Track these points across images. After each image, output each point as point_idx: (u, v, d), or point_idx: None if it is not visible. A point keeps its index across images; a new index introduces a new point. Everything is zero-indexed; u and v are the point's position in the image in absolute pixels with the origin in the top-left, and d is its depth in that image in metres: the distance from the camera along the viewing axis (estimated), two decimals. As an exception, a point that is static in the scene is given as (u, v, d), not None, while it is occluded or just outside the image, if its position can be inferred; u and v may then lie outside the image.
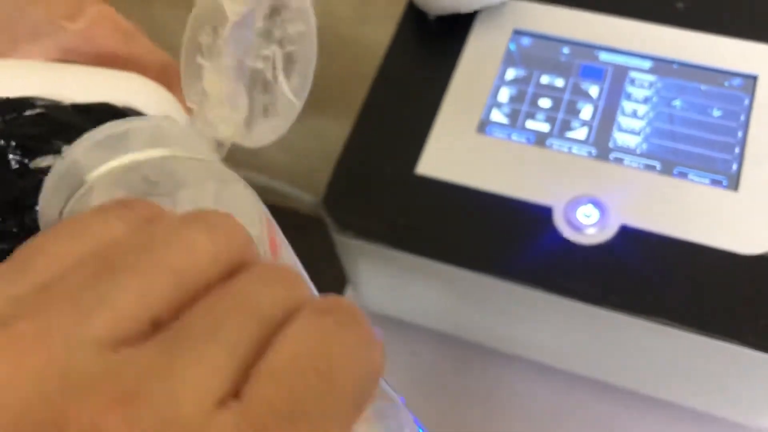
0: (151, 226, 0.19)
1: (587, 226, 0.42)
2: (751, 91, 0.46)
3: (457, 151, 0.46)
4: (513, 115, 0.47)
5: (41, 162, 0.27)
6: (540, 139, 0.46)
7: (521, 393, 0.53)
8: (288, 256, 0.26)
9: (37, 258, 0.18)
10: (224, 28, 0.26)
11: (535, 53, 0.49)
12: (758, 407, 0.46)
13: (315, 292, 0.24)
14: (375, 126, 0.48)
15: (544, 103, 0.47)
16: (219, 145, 0.28)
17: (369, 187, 0.46)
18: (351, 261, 0.49)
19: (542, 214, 0.43)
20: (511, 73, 0.49)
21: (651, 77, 0.47)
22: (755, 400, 0.45)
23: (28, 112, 0.29)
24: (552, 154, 0.45)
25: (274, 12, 0.28)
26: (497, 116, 0.47)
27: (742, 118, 0.45)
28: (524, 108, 0.47)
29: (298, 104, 0.29)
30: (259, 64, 0.28)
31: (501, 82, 0.48)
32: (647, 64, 0.48)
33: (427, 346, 0.56)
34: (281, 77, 0.29)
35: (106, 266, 0.18)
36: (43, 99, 0.29)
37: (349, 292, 0.59)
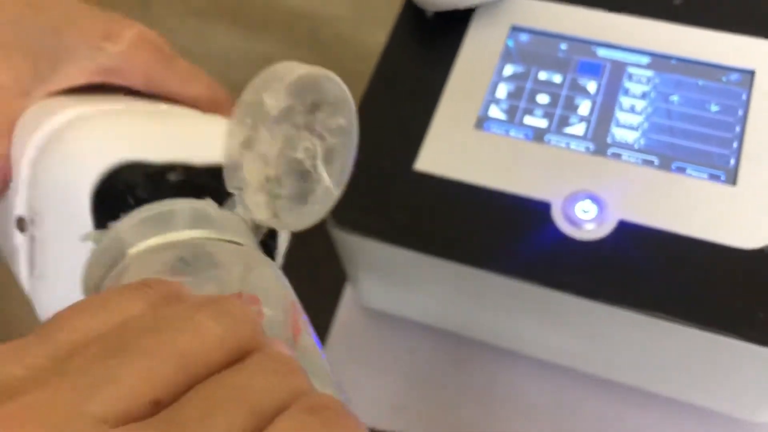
0: (167, 307, 0.21)
1: (585, 221, 0.42)
2: (749, 86, 0.46)
3: (455, 147, 0.46)
4: (511, 111, 0.47)
5: None
6: (538, 134, 0.46)
7: (520, 390, 0.53)
8: (308, 341, 0.27)
9: (59, 329, 0.20)
10: (265, 121, 0.27)
11: (533, 49, 0.49)
12: (757, 402, 0.46)
13: (330, 377, 0.26)
14: (373, 123, 0.48)
15: (542, 99, 0.47)
16: (256, 227, 0.30)
17: (367, 183, 0.46)
18: (349, 258, 0.49)
19: (540, 210, 0.43)
20: (508, 70, 0.49)
21: (649, 73, 0.47)
22: (754, 394, 0.45)
23: (172, 178, 0.32)
24: (550, 150, 0.45)
25: (315, 107, 0.30)
26: (495, 112, 0.47)
27: (740, 113, 0.45)
28: (522, 104, 0.47)
29: (336, 193, 0.31)
30: (300, 155, 0.30)
31: (499, 78, 0.48)
32: (645, 60, 0.48)
33: (425, 344, 0.56)
34: (321, 168, 0.31)
35: (118, 345, 0.19)
36: (182, 164, 0.32)
37: (348, 289, 0.59)
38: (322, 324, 0.59)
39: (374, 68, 0.50)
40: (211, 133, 0.35)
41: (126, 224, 0.27)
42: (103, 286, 0.27)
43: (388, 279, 0.50)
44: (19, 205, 0.32)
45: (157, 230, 0.27)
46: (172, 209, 0.28)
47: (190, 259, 0.26)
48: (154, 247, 0.26)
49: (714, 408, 0.49)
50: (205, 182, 0.29)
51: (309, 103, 0.30)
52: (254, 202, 0.29)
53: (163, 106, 0.39)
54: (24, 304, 0.34)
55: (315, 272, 0.61)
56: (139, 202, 0.29)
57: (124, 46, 0.37)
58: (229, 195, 0.29)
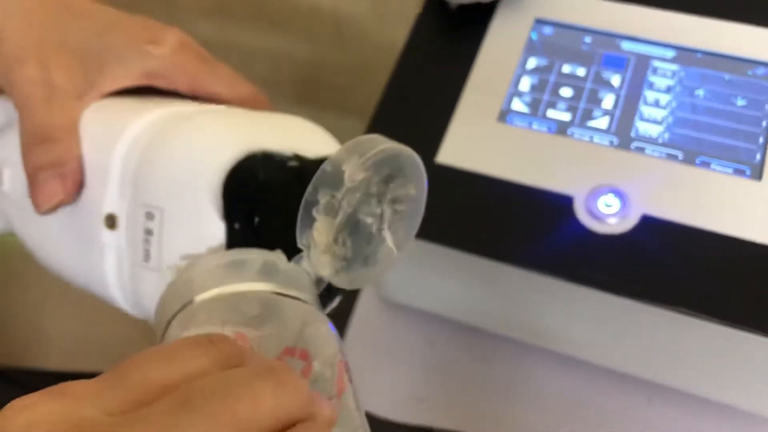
0: (230, 371, 0.23)
1: (608, 215, 0.42)
2: (776, 81, 0.45)
3: (477, 140, 0.46)
4: (534, 104, 0.47)
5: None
6: (561, 128, 0.46)
7: (540, 383, 0.53)
8: (350, 400, 0.28)
9: (133, 377, 0.22)
10: (340, 191, 0.29)
11: (557, 42, 0.49)
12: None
13: None
14: (395, 115, 0.48)
15: (566, 92, 0.47)
16: (318, 281, 0.32)
17: (389, 175, 0.46)
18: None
19: (563, 204, 0.43)
20: (532, 62, 0.48)
21: (674, 66, 0.47)
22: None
23: (292, 164, 0.34)
24: (573, 144, 0.45)
25: (389, 177, 0.32)
26: (518, 105, 0.47)
27: (767, 107, 0.45)
28: (545, 97, 0.47)
29: (397, 255, 0.32)
30: (369, 220, 0.32)
31: (522, 71, 0.48)
32: (670, 54, 0.47)
33: (444, 336, 0.56)
34: (387, 233, 0.33)
35: (184, 403, 0.21)
36: (296, 154, 0.35)
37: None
38: (341, 316, 0.59)
39: (397, 61, 0.50)
40: (300, 126, 0.38)
41: (198, 269, 0.29)
42: (172, 326, 0.28)
43: (409, 271, 0.50)
44: (109, 203, 0.33)
45: (227, 278, 0.29)
46: (244, 259, 0.29)
47: (252, 313, 0.28)
48: (221, 296, 0.28)
49: (734, 404, 0.48)
50: (315, 170, 0.30)
51: (384, 175, 0.32)
52: (320, 260, 0.31)
53: (222, 107, 0.40)
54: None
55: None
56: (265, 190, 0.30)
57: (168, 49, 0.38)
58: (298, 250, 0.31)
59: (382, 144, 0.31)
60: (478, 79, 0.48)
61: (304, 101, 1.06)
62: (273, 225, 0.33)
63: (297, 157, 0.34)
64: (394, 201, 0.33)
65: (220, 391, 0.21)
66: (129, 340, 0.61)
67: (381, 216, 0.32)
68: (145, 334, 0.64)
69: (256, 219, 0.32)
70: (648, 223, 0.42)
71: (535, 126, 0.46)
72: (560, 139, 0.45)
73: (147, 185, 0.33)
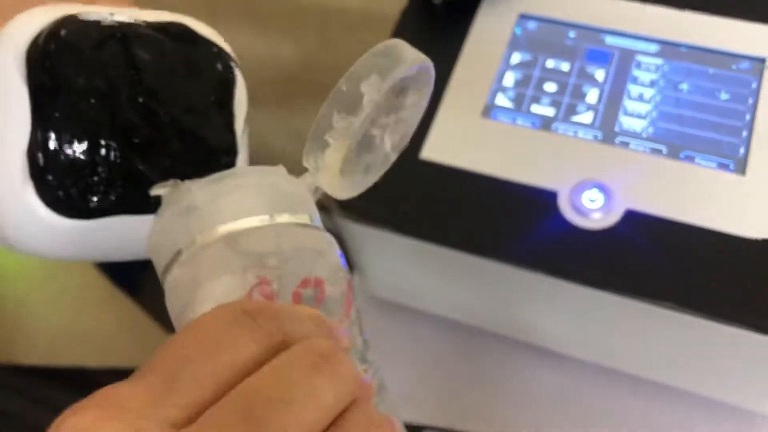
0: (284, 364, 0.22)
1: (592, 210, 0.42)
2: (759, 74, 0.45)
3: (461, 136, 0.46)
4: (518, 100, 0.47)
5: None
6: (545, 123, 0.46)
7: (528, 379, 0.53)
8: (353, 313, 0.29)
9: (183, 377, 0.21)
10: (358, 117, 0.28)
11: (541, 37, 0.49)
12: (764, 392, 0.46)
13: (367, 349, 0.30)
14: (379, 111, 0.48)
15: (550, 87, 0.47)
16: (315, 190, 0.30)
17: (373, 171, 0.45)
18: (355, 246, 0.49)
19: (547, 199, 0.43)
20: (516, 58, 0.48)
21: (658, 60, 0.47)
22: (760, 385, 0.45)
23: (106, 22, 0.29)
24: (557, 138, 0.45)
25: (402, 89, 0.30)
26: (502, 100, 0.47)
27: (750, 101, 0.45)
28: (529, 92, 0.47)
29: (393, 157, 0.32)
30: (375, 132, 0.30)
31: (506, 66, 0.48)
32: (654, 48, 0.47)
33: (432, 333, 0.55)
34: (387, 138, 0.31)
35: (248, 414, 0.20)
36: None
37: (354, 278, 0.59)
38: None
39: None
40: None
41: (201, 193, 0.26)
42: (176, 267, 0.26)
43: (395, 268, 0.50)
44: None
45: (234, 210, 0.26)
46: (243, 183, 0.27)
47: (270, 250, 0.26)
48: (232, 235, 0.26)
49: (720, 399, 0.48)
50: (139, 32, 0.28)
51: (399, 87, 0.30)
52: (328, 180, 0.29)
53: None
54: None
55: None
56: (68, 47, 0.27)
57: None
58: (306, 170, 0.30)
59: (404, 61, 0.29)
60: (462, 75, 0.48)
61: (291, 100, 1.06)
62: (81, 85, 0.28)
63: (119, 22, 0.30)
64: (399, 108, 0.31)
65: (282, 397, 0.21)
66: (112, 334, 0.60)
67: (387, 125, 0.31)
68: (127, 327, 0.64)
69: (63, 81, 0.28)
70: (632, 217, 0.42)
71: (519, 121, 0.46)
72: (544, 134, 0.45)
73: None
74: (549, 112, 0.46)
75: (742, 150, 0.43)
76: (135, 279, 1.37)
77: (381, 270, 0.51)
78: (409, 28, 0.51)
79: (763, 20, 0.47)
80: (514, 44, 0.49)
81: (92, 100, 0.27)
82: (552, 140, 0.45)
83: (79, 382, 0.53)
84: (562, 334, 0.49)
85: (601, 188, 0.42)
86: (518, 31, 0.49)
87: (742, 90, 0.45)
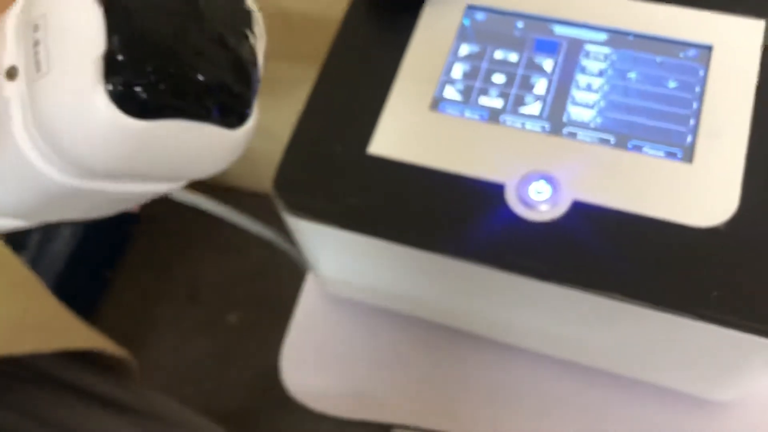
0: None
1: (539, 202, 0.42)
2: (706, 62, 0.45)
3: (409, 130, 0.46)
4: (466, 92, 0.46)
5: None
6: (493, 115, 0.45)
7: (484, 371, 0.53)
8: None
9: None
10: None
11: (489, 28, 0.48)
12: (717, 380, 0.46)
13: None
14: (327, 105, 0.47)
15: (498, 78, 0.47)
16: None
17: (321, 167, 0.45)
18: (305, 244, 0.48)
19: (495, 192, 0.43)
20: (464, 49, 0.48)
21: (606, 49, 0.47)
22: (713, 373, 0.45)
23: None
24: (505, 131, 0.45)
25: None
26: (450, 93, 0.46)
27: (697, 89, 0.44)
28: (478, 84, 0.46)
29: None
30: None
31: (454, 58, 0.48)
32: (602, 37, 0.47)
33: (389, 329, 0.55)
34: None
35: None
36: None
37: (310, 276, 0.58)
38: (284, 313, 0.58)
39: (328, 50, 0.49)
40: None
41: None
42: None
43: (347, 265, 0.49)
44: (8, 57, 0.31)
45: None
46: None
47: None
48: None
49: (675, 388, 0.48)
50: None
51: None
52: None
53: None
54: None
55: (280, 256, 0.60)
56: None
57: None
58: None
59: None
60: (410, 68, 0.47)
61: (260, 96, 1.05)
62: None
63: None
64: None
65: None
66: (68, 325, 0.59)
67: None
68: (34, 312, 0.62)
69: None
70: (579, 209, 0.41)
71: (467, 114, 0.46)
72: (492, 127, 0.45)
73: (32, 3, 0.31)
74: (497, 104, 0.46)
75: (689, 138, 0.43)
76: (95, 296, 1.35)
77: (334, 267, 0.51)
78: (356, 22, 0.50)
79: (711, 7, 0.46)
80: (463, 36, 0.48)
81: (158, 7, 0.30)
82: (500, 132, 0.45)
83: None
84: (516, 326, 0.49)
85: (548, 180, 0.42)
86: (466, 23, 0.49)
87: (690, 78, 0.45)
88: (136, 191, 0.33)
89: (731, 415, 0.49)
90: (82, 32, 0.29)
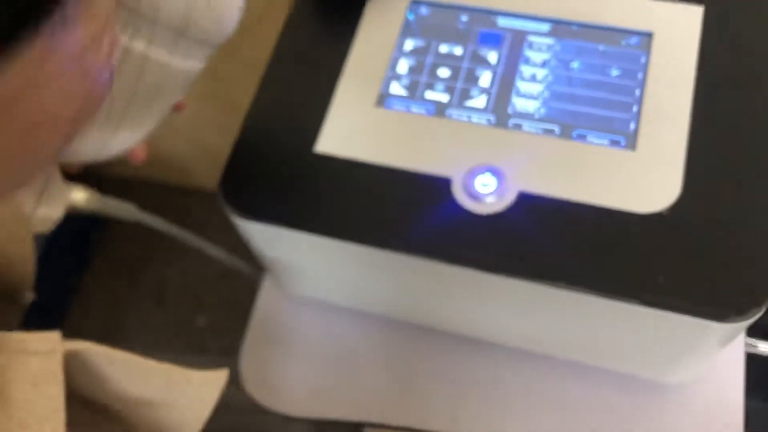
0: None
1: (486, 195, 0.42)
2: (647, 49, 0.45)
3: (356, 127, 0.45)
4: (412, 87, 0.46)
5: None
6: (440, 109, 0.45)
7: (445, 366, 0.53)
8: None
9: None
10: None
11: (434, 22, 0.48)
12: (667, 363, 0.46)
13: None
14: (272, 106, 0.47)
15: (443, 72, 0.47)
16: None
17: (267, 167, 0.45)
18: (257, 246, 0.48)
19: (442, 186, 0.43)
20: (409, 44, 0.48)
21: (549, 40, 0.47)
22: (662, 356, 0.45)
23: None
24: (451, 125, 0.45)
25: None
26: (396, 89, 0.46)
27: (640, 76, 0.45)
28: (423, 79, 0.46)
29: None
30: None
31: (400, 53, 0.47)
32: (545, 27, 0.47)
33: (348, 325, 0.55)
34: None
35: None
36: None
37: (267, 278, 0.58)
38: (242, 313, 0.58)
39: (272, 50, 0.48)
40: None
41: None
42: None
43: (300, 265, 0.49)
44: None
45: None
46: None
47: None
48: None
49: (630, 372, 0.49)
50: None
51: None
52: None
53: None
54: None
55: (241, 257, 0.60)
56: None
57: None
58: None
59: None
60: (355, 64, 0.47)
61: (210, 97, 1.04)
62: None
63: None
64: None
65: None
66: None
67: None
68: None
69: None
70: (525, 200, 0.42)
71: (413, 109, 0.46)
72: (438, 121, 0.45)
73: None
74: (443, 98, 0.46)
75: (632, 125, 0.43)
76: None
77: (289, 268, 0.50)
78: (300, 19, 0.50)
79: (650, -6, 0.47)
80: (407, 30, 0.48)
81: None
82: (446, 126, 0.45)
83: None
84: (472, 318, 0.49)
85: (494, 172, 0.42)
86: (411, 17, 0.49)
87: (632, 65, 0.45)
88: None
89: (687, 395, 0.50)
90: None
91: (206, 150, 1.22)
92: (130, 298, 1.37)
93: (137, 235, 1.38)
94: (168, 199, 1.38)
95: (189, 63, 0.38)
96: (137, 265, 1.38)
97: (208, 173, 1.30)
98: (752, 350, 0.51)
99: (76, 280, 1.37)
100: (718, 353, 0.45)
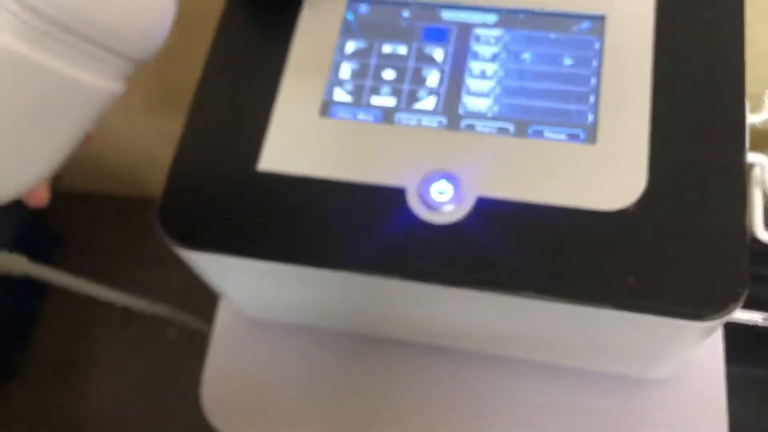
0: None
1: (443, 203, 0.39)
2: (601, 34, 0.43)
3: (300, 140, 0.43)
4: (357, 92, 0.43)
5: None
6: (387, 114, 0.43)
7: (415, 379, 0.51)
8: None
9: None
10: None
11: (374, 20, 0.45)
12: (651, 362, 0.44)
13: None
14: (208, 123, 0.44)
15: (388, 74, 0.44)
16: None
17: (207, 192, 0.42)
18: (204, 273, 0.45)
19: (396, 197, 0.40)
20: (351, 46, 0.45)
21: (497, 32, 0.44)
22: (645, 356, 0.43)
23: None
24: (401, 130, 0.42)
25: None
26: (340, 95, 0.44)
27: (594, 63, 0.42)
28: (368, 83, 0.44)
29: None
30: None
31: (341, 56, 0.45)
32: (492, 18, 0.45)
33: (311, 344, 0.52)
34: None
35: None
36: None
37: (223, 302, 0.55)
38: (200, 340, 0.55)
39: (204, 62, 0.45)
40: None
41: None
42: None
43: (251, 289, 0.46)
44: None
45: None
46: None
47: None
48: None
49: (610, 371, 0.47)
50: None
51: None
52: None
53: None
54: None
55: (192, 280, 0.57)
56: None
57: None
58: None
59: None
60: (294, 72, 0.44)
61: (159, 105, 1.00)
62: None
63: None
64: None
65: None
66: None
67: None
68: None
69: None
70: (484, 206, 0.39)
71: (360, 116, 0.43)
72: (387, 128, 0.42)
73: None
74: (390, 102, 0.43)
75: (590, 117, 0.41)
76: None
77: (242, 293, 0.48)
78: (232, 26, 0.46)
79: (599, -24, 0.44)
80: (347, 31, 0.45)
81: None
82: (396, 133, 0.42)
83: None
84: (438, 330, 0.47)
85: (449, 178, 0.40)
86: (350, 17, 0.46)
87: (585, 52, 0.43)
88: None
89: (668, 390, 0.48)
90: None
91: (157, 159, 1.18)
92: (96, 315, 1.32)
93: (97, 251, 1.34)
94: (127, 212, 1.34)
95: (99, 80, 0.31)
96: (100, 281, 1.34)
97: (162, 184, 1.27)
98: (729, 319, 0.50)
99: (39, 302, 1.33)
100: (699, 347, 0.44)
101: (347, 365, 0.52)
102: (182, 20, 0.80)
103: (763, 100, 0.53)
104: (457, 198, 0.39)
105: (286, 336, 0.53)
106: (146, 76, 0.81)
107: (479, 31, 0.44)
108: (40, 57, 0.28)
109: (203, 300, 1.25)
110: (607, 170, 0.39)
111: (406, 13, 0.45)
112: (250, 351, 0.53)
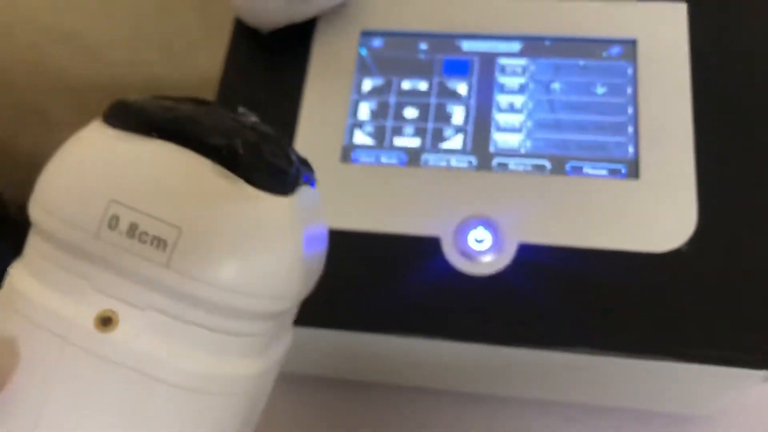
0: None
1: (481, 252, 0.37)
2: (633, 58, 0.40)
3: (321, 189, 0.40)
4: (378, 134, 0.41)
5: None
6: (413, 156, 0.40)
7: (419, 420, 0.48)
8: None
9: None
10: None
11: (390, 55, 0.43)
12: (703, 401, 0.42)
13: None
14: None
15: (410, 113, 0.41)
16: None
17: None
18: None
19: (429, 248, 0.37)
20: (367, 84, 0.42)
21: (522, 61, 0.42)
22: (698, 396, 0.41)
23: None
24: (429, 173, 0.39)
25: None
26: (361, 138, 0.41)
27: (629, 90, 0.40)
28: (389, 123, 0.41)
29: None
30: None
31: (358, 96, 0.42)
32: (516, 47, 0.42)
33: (307, 392, 0.49)
34: None
35: None
36: None
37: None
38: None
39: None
40: None
41: None
42: None
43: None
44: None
45: None
46: None
47: None
48: None
49: (657, 410, 0.45)
50: None
51: None
52: None
53: None
54: None
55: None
56: None
57: None
58: None
59: None
60: (310, 116, 0.41)
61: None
62: None
63: None
64: None
65: None
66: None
67: None
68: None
69: None
70: (526, 253, 0.37)
71: (383, 159, 0.40)
72: (414, 171, 0.39)
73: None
74: (414, 143, 0.40)
75: (631, 149, 0.39)
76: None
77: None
78: (240, 67, 0.44)
79: (627, -4, 0.42)
80: (362, 68, 0.42)
81: None
82: (423, 176, 0.39)
83: None
84: (477, 378, 0.44)
85: (487, 225, 0.37)
86: (363, 52, 0.43)
87: (618, 79, 0.40)
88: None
89: (715, 425, 0.46)
90: None
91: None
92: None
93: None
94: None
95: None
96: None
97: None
98: None
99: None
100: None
101: (341, 410, 0.49)
102: (165, 55, 0.77)
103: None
104: (496, 246, 0.37)
105: (282, 384, 0.50)
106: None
107: (503, 61, 0.42)
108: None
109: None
110: (654, 208, 0.37)
111: (423, 45, 0.43)
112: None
